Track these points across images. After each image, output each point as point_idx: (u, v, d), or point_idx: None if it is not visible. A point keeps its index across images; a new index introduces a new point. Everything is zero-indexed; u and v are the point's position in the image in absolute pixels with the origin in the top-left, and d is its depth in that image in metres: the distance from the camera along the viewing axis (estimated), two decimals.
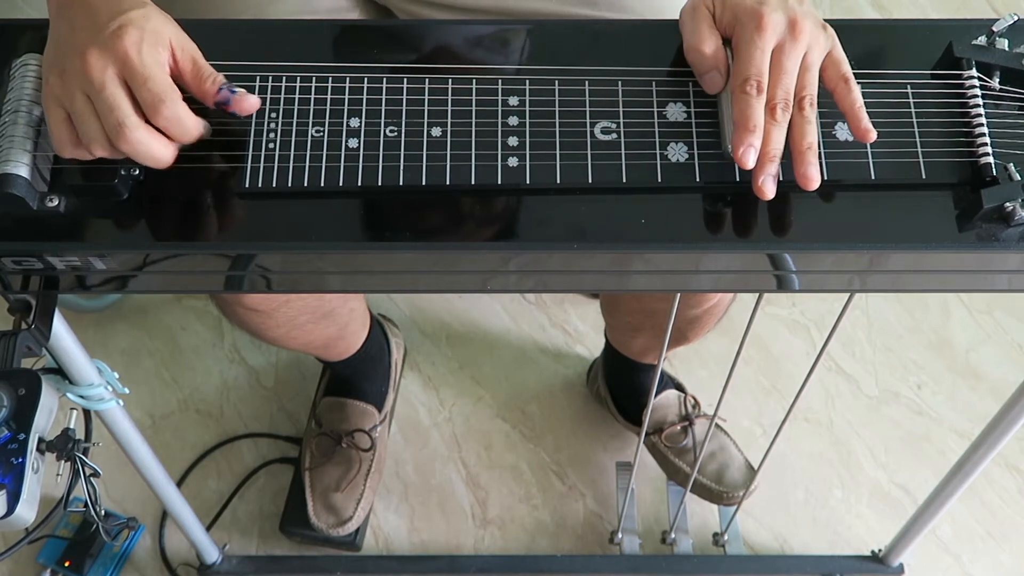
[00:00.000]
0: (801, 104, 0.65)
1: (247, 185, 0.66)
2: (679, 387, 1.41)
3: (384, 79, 0.69)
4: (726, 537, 1.33)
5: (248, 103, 0.65)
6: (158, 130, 0.63)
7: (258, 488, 1.42)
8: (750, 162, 0.63)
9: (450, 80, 0.69)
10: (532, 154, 0.67)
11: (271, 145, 0.67)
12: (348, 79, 0.69)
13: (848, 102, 0.66)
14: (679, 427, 1.34)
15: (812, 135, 0.65)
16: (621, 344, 1.32)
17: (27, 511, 0.65)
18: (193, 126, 0.64)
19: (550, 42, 0.73)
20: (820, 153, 0.67)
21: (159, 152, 0.63)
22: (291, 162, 0.67)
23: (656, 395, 1.36)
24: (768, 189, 0.64)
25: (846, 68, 0.66)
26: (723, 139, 0.66)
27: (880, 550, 1.32)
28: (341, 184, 0.66)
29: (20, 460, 0.65)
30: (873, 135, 0.65)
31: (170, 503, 1.12)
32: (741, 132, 0.63)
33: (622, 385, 1.40)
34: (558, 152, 0.67)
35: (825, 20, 0.68)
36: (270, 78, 0.69)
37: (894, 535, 1.28)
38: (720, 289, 0.93)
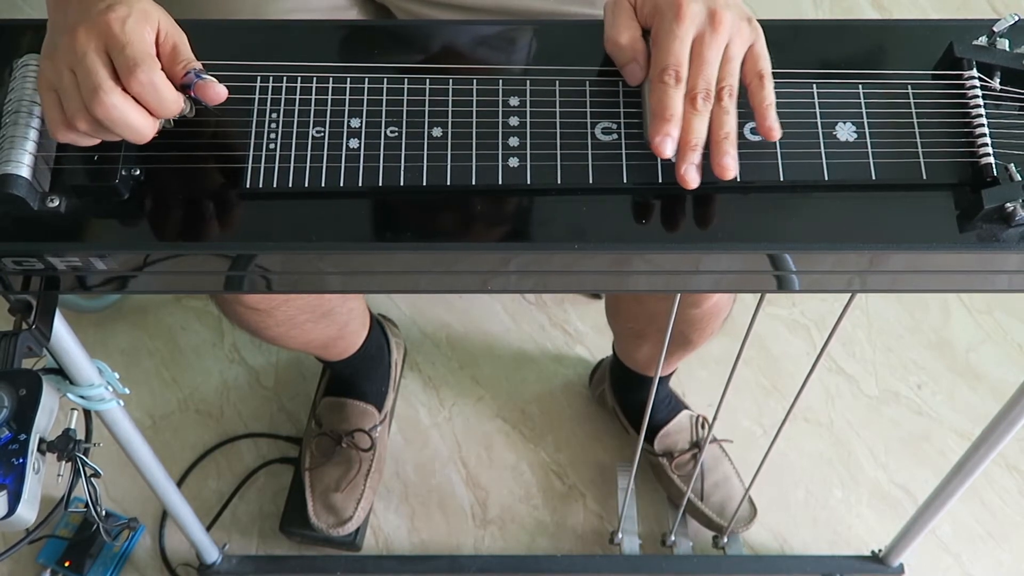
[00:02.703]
0: (720, 94, 0.64)
1: (248, 185, 0.66)
2: (684, 404, 1.41)
3: (385, 79, 0.69)
4: (726, 538, 1.33)
5: (213, 90, 0.64)
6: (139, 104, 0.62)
7: (258, 488, 1.42)
8: (666, 151, 0.63)
9: (451, 80, 0.69)
10: (533, 154, 0.67)
11: (272, 145, 0.67)
12: (349, 79, 0.69)
13: (758, 99, 0.66)
14: (689, 455, 1.35)
15: (730, 125, 0.65)
16: (627, 356, 1.32)
17: (28, 511, 0.65)
18: (170, 97, 0.62)
19: (551, 42, 0.73)
20: (822, 154, 0.67)
21: (135, 120, 0.62)
22: (292, 162, 0.67)
23: (669, 419, 1.37)
24: (691, 178, 0.64)
25: (763, 64, 0.66)
26: (645, 129, 0.66)
27: (880, 550, 1.32)
28: (342, 184, 0.66)
29: (21, 460, 0.65)
30: (776, 134, 0.65)
31: (170, 503, 1.12)
32: (657, 121, 0.63)
33: (632, 400, 1.40)
34: (559, 152, 0.67)
35: (825, 20, 0.68)
36: (271, 78, 0.69)
37: (894, 535, 1.28)
38: (721, 289, 0.93)
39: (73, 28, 0.62)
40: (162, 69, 0.64)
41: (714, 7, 0.65)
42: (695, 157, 0.64)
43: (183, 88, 0.64)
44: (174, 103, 0.63)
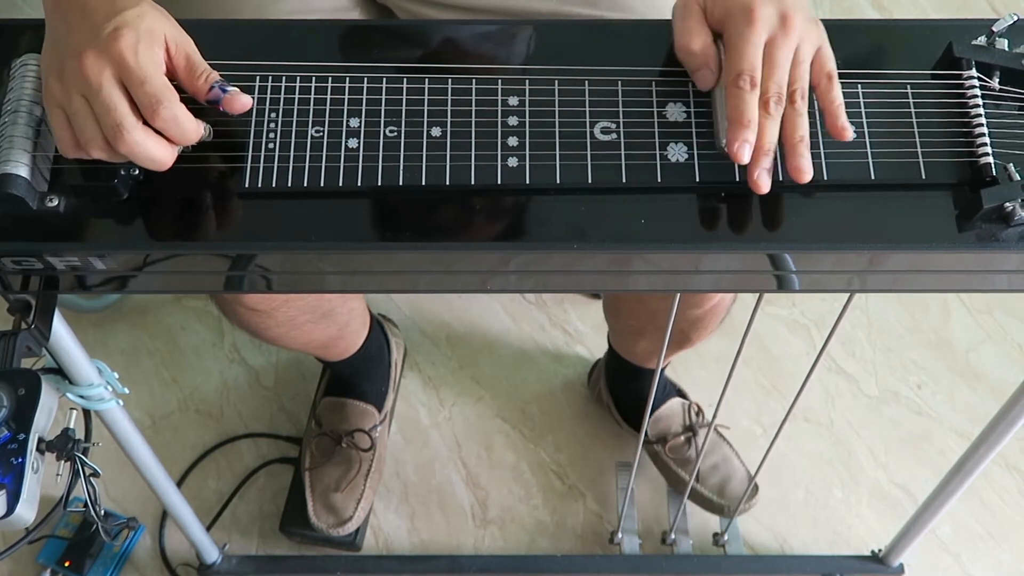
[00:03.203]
0: (792, 97, 0.65)
1: (247, 185, 0.66)
2: (681, 393, 1.41)
3: (384, 79, 0.69)
4: (726, 537, 1.33)
5: (239, 102, 0.65)
6: (157, 132, 0.63)
7: (258, 488, 1.42)
8: (745, 157, 0.64)
9: (450, 80, 0.69)
10: (532, 154, 0.67)
11: (271, 145, 0.67)
12: (348, 79, 0.69)
13: (828, 99, 0.66)
14: (683, 438, 1.35)
15: (803, 128, 0.65)
16: (624, 349, 1.32)
17: (27, 511, 0.65)
18: (192, 128, 0.63)
19: (550, 42, 0.73)
20: (821, 153, 0.67)
21: (158, 154, 0.63)
22: (291, 162, 0.67)
23: (660, 404, 1.37)
24: (764, 183, 0.64)
25: (831, 65, 0.67)
26: (717, 135, 0.66)
27: (880, 550, 1.32)
28: (341, 184, 0.66)
29: (20, 460, 0.65)
30: (849, 134, 0.66)
31: (170, 503, 1.12)
32: (735, 127, 0.63)
33: (625, 391, 1.40)
34: (558, 152, 0.67)
35: (825, 20, 0.68)
36: (270, 78, 0.69)
37: (894, 535, 1.28)
38: (720, 289, 0.93)
39: (80, 52, 0.61)
40: (179, 82, 0.64)
41: (785, 10, 0.65)
42: (768, 162, 0.64)
43: (210, 103, 0.65)
44: (195, 132, 0.64)
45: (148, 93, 0.61)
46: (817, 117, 0.68)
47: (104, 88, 0.61)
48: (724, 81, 0.65)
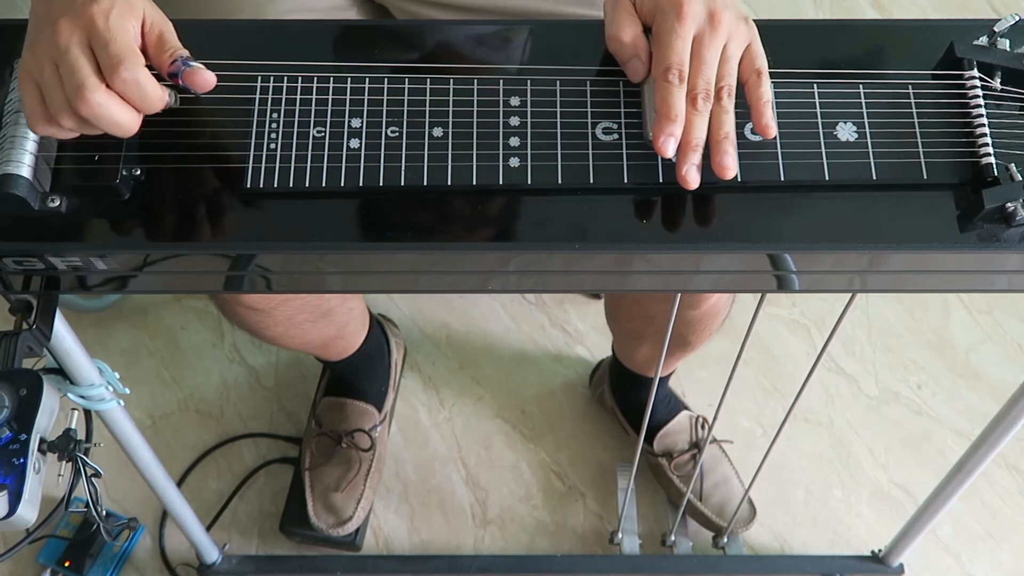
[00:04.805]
0: (719, 94, 0.65)
1: (248, 185, 0.66)
2: (685, 406, 1.41)
3: (385, 79, 0.69)
4: (725, 538, 1.33)
5: (201, 77, 0.64)
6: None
7: (258, 488, 1.42)
8: (669, 151, 0.64)
9: (451, 80, 0.69)
10: (533, 154, 0.67)
11: (272, 145, 0.67)
12: (349, 79, 0.69)
13: (756, 96, 0.66)
14: (688, 455, 1.35)
15: (729, 125, 0.65)
16: (627, 357, 1.32)
17: (29, 511, 0.65)
18: (153, 92, 0.62)
19: (551, 42, 0.73)
20: (822, 154, 0.67)
21: (121, 117, 0.61)
22: (292, 162, 0.67)
23: (669, 419, 1.37)
24: (692, 178, 0.64)
25: (761, 62, 0.67)
26: (645, 127, 0.67)
27: (880, 550, 1.32)
28: (342, 184, 0.66)
29: (22, 460, 0.65)
30: (772, 132, 0.66)
31: (170, 503, 1.12)
32: (662, 121, 0.64)
33: (631, 401, 1.40)
34: (559, 152, 0.67)
35: (825, 20, 0.68)
36: (271, 78, 0.69)
37: (894, 535, 1.28)
38: (720, 289, 0.93)
39: (55, 20, 0.61)
40: (149, 58, 0.63)
41: (713, 7, 0.65)
42: (696, 157, 0.64)
43: (171, 76, 0.64)
44: (159, 99, 0.63)
45: (110, 53, 0.60)
46: (819, 119, 0.68)
47: (71, 50, 0.60)
48: (653, 74, 0.66)
